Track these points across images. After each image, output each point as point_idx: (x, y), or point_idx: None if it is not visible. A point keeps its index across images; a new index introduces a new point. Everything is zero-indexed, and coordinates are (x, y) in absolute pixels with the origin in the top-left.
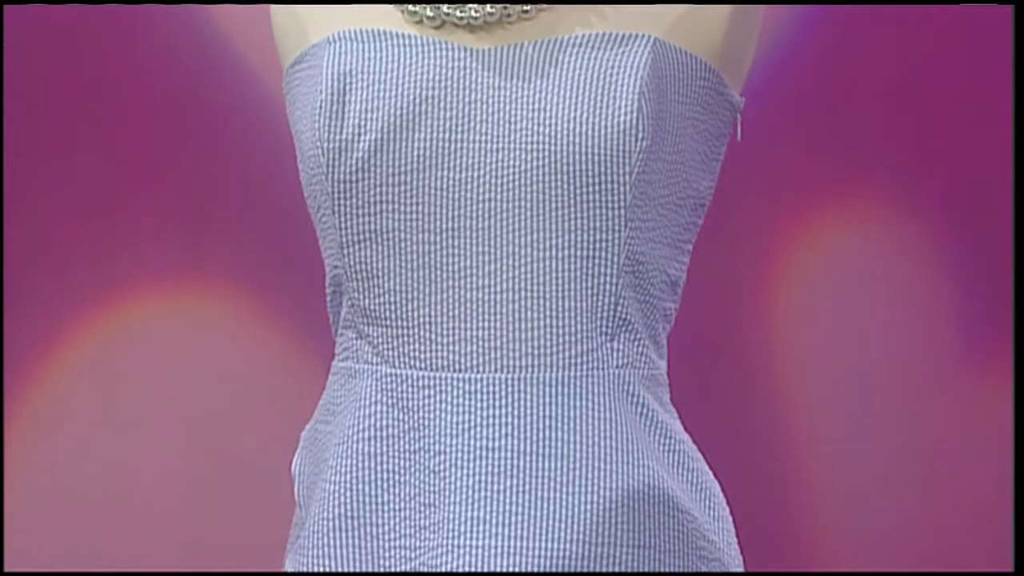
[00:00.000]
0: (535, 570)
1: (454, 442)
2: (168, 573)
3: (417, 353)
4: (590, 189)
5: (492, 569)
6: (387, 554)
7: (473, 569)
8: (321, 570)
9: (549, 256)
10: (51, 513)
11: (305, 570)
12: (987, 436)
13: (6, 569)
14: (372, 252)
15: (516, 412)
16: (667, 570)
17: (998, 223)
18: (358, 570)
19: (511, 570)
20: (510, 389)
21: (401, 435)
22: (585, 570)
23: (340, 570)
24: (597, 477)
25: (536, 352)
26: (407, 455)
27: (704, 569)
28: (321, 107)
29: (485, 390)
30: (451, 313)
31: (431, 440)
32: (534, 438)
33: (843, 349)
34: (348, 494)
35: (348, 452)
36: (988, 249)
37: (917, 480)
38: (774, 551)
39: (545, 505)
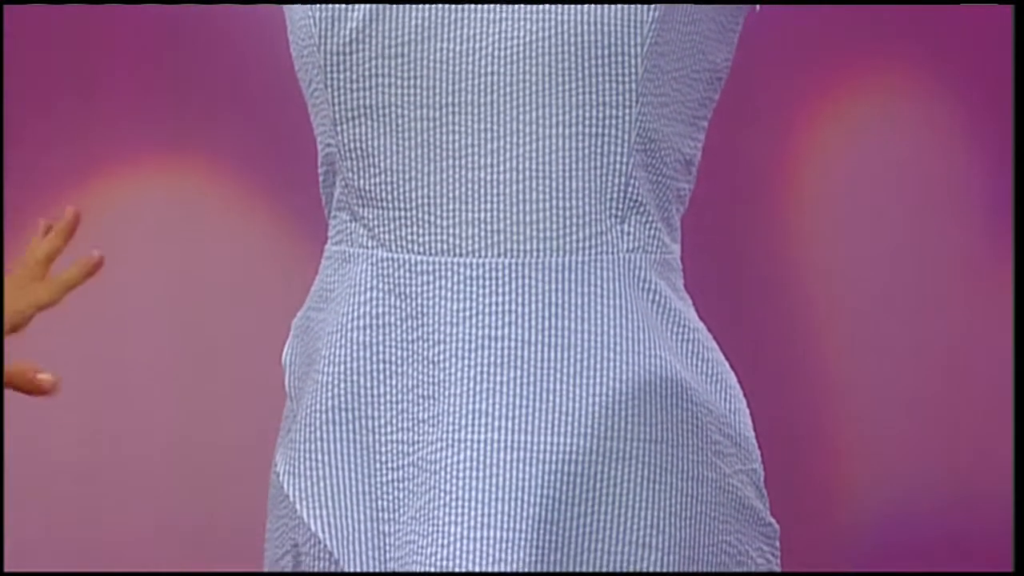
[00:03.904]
0: (540, 464)
1: (454, 331)
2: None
3: (415, 236)
4: (599, 62)
5: (494, 463)
6: (383, 448)
7: (473, 464)
8: (313, 463)
9: (555, 133)
10: (33, 401)
11: (297, 464)
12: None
13: (6, 569)
14: (367, 129)
15: (520, 299)
16: (680, 464)
17: None
18: (352, 463)
19: (515, 464)
20: (514, 275)
21: (398, 323)
22: (593, 464)
23: (333, 463)
24: (606, 368)
25: (541, 235)
26: (405, 344)
27: (719, 463)
28: None
29: (487, 276)
30: (451, 194)
31: (430, 329)
32: (539, 327)
33: (866, 231)
34: (342, 385)
35: (342, 341)
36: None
37: (939, 366)
38: (792, 442)
39: (551, 397)
